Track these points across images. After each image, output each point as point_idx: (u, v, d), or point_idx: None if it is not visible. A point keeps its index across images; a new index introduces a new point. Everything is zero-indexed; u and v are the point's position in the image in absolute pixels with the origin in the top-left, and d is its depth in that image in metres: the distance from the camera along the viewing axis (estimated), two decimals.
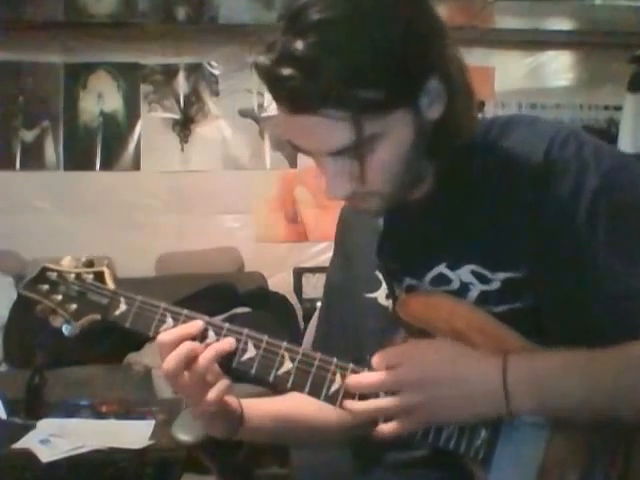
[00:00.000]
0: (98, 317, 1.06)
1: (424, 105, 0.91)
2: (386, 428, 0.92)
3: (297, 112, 0.87)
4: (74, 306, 1.07)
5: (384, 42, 0.85)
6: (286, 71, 0.85)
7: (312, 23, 0.85)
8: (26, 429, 2.32)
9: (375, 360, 0.94)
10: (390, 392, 0.92)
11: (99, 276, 1.08)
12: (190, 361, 0.98)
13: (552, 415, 0.91)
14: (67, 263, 1.10)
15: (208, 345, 0.99)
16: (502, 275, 0.96)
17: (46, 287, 1.09)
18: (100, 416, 2.49)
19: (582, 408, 0.89)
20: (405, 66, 0.87)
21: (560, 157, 0.93)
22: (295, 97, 0.86)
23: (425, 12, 0.91)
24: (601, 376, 0.89)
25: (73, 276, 1.08)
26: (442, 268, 1.00)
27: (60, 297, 1.08)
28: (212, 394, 0.99)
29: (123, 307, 1.04)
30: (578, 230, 0.91)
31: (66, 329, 1.08)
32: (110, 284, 1.07)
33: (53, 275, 1.09)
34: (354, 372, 0.96)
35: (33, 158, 4.19)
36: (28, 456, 2.18)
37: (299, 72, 0.84)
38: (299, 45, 0.84)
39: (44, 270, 1.10)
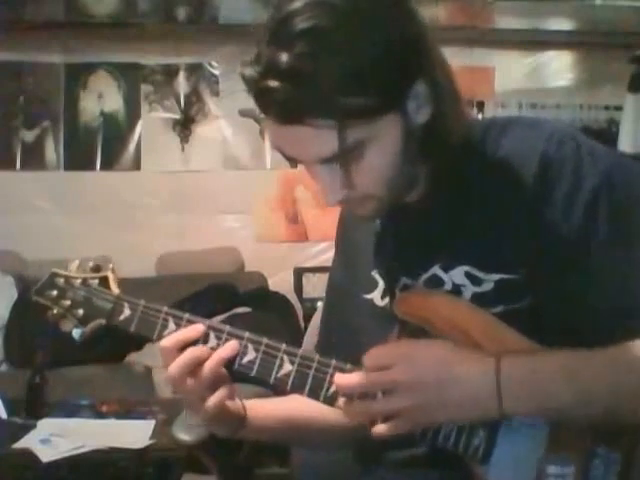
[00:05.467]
0: (103, 322, 1.09)
1: (412, 109, 0.91)
2: (381, 429, 0.92)
3: (285, 123, 0.88)
4: (81, 311, 1.10)
5: (369, 50, 0.85)
6: (272, 83, 0.85)
7: (297, 33, 0.85)
8: (26, 429, 2.32)
9: (367, 359, 0.94)
10: (383, 393, 0.92)
11: (104, 281, 1.11)
12: (194, 368, 1.00)
13: (547, 417, 0.91)
14: (74, 268, 1.13)
15: (212, 350, 1.01)
16: (496, 276, 0.96)
17: (55, 293, 1.12)
18: (100, 416, 2.48)
19: (576, 410, 0.89)
20: (391, 73, 0.87)
21: (557, 157, 0.93)
22: (282, 108, 0.87)
23: (409, 18, 0.91)
24: (596, 379, 0.88)
25: (79, 281, 1.12)
26: (436, 269, 1.01)
27: (69, 302, 1.11)
28: (211, 401, 1.01)
29: (127, 312, 1.07)
30: (577, 229, 0.91)
31: (76, 333, 1.11)
32: (114, 289, 1.10)
33: (61, 281, 1.13)
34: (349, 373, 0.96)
35: (33, 158, 4.19)
36: (28, 456, 2.18)
37: (285, 84, 0.85)
38: (284, 57, 0.85)
39: (52, 276, 1.13)
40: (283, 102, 0.86)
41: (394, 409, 0.91)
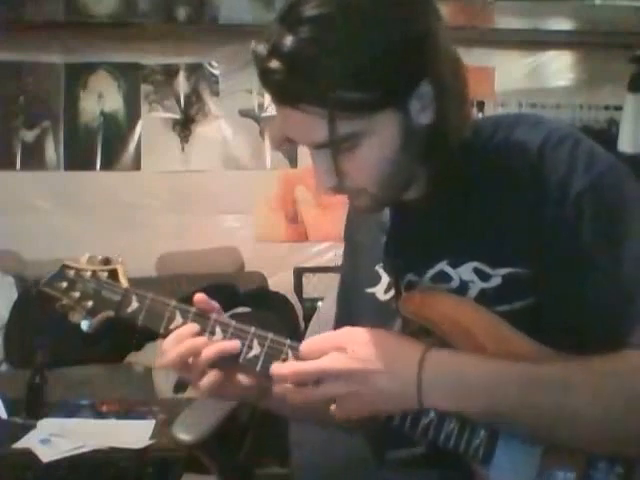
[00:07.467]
0: (112, 313, 1.11)
1: (414, 109, 0.91)
2: (332, 411, 0.95)
3: (281, 104, 0.91)
4: (90, 303, 1.12)
5: (370, 47, 0.86)
6: (273, 64, 0.87)
7: (304, 19, 0.86)
8: (26, 429, 2.33)
9: (302, 347, 0.98)
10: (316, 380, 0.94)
11: (113, 274, 1.13)
12: (193, 356, 1.01)
13: (471, 419, 0.92)
14: (84, 261, 1.15)
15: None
16: (503, 271, 0.96)
17: (65, 284, 1.14)
18: (100, 416, 2.49)
19: (505, 420, 0.90)
20: (394, 71, 0.88)
21: (551, 157, 0.94)
22: (279, 90, 0.90)
23: (422, 16, 0.91)
24: (537, 393, 0.88)
25: (89, 274, 1.14)
26: (443, 265, 1.01)
27: (78, 294, 1.13)
28: (204, 382, 1.02)
29: (135, 304, 1.09)
30: (567, 229, 0.92)
31: (84, 324, 1.12)
32: (123, 282, 1.13)
33: (71, 273, 1.14)
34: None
35: (33, 158, 4.18)
36: (28, 456, 2.19)
37: (284, 66, 0.87)
38: (288, 40, 0.86)
39: (63, 268, 1.15)
40: (280, 84, 0.88)
41: (325, 396, 0.94)
